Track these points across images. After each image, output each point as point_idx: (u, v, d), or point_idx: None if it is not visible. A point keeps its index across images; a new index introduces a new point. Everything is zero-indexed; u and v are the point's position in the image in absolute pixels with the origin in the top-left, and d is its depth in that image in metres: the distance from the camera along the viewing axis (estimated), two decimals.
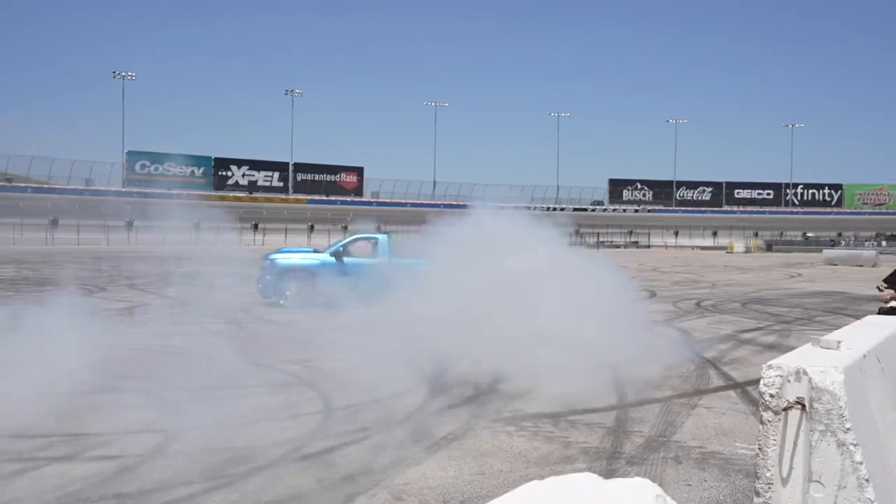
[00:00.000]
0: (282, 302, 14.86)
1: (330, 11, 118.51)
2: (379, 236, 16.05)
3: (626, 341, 8.78)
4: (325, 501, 4.18)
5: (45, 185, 65.12)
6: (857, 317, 9.22)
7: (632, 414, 6.31)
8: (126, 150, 71.63)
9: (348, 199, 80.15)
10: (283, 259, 15.59)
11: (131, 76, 72.24)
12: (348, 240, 16.15)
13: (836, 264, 37.90)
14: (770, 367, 3.32)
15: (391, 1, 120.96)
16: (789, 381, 3.29)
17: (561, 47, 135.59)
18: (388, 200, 79.04)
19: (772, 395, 3.31)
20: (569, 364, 7.86)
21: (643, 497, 1.62)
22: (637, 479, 1.71)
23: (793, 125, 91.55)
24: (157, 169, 72.29)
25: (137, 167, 70.94)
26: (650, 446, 5.35)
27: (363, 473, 4.62)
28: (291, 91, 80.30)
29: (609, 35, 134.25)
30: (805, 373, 3.27)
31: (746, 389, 7.30)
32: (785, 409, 3.27)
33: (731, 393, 7.19)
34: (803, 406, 3.25)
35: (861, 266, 36.27)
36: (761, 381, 3.34)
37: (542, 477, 1.79)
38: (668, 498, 1.66)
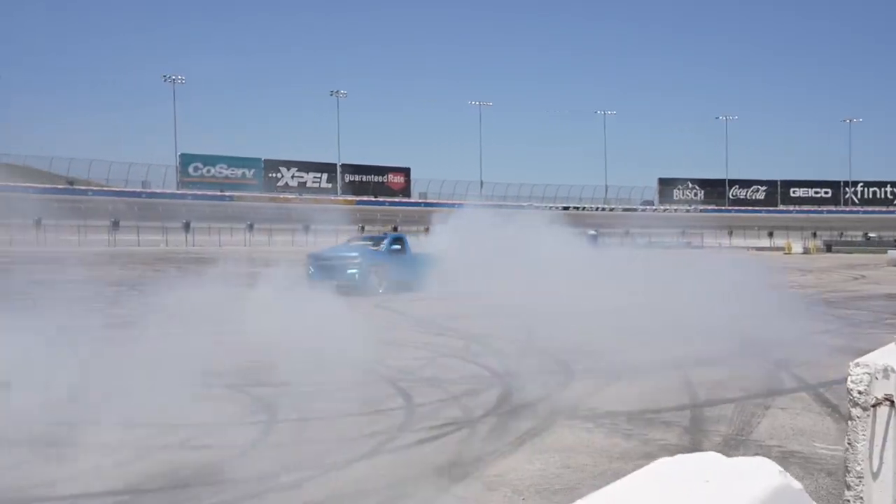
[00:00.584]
0: (381, 290, 17.29)
1: (374, 11, 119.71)
2: (402, 235, 20.58)
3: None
4: (424, 490, 4.42)
5: (105, 188, 67.13)
6: None
7: (707, 413, 6.45)
8: (179, 153, 73.43)
9: (396, 199, 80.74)
10: (373, 253, 18.21)
11: (181, 79, 74.04)
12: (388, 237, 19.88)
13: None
14: (857, 364, 3.44)
15: (435, 0, 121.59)
16: (877, 378, 3.40)
17: (606, 45, 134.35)
18: (435, 201, 79.44)
19: (860, 392, 3.42)
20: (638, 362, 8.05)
21: (767, 473, 1.81)
22: (757, 457, 1.90)
23: (851, 120, 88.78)
24: (209, 171, 73.82)
25: (191, 169, 72.61)
26: (728, 444, 5.47)
27: (454, 464, 4.87)
28: (336, 92, 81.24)
29: (655, 31, 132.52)
30: (893, 370, 3.38)
31: (819, 391, 7.32)
32: (873, 406, 3.40)
33: (804, 394, 7.23)
34: (892, 402, 3.37)
35: None
36: (848, 379, 3.46)
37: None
38: (789, 475, 1.85)
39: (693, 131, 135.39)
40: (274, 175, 77.17)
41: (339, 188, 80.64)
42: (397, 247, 19.02)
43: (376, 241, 19.78)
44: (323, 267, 17.30)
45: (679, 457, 1.88)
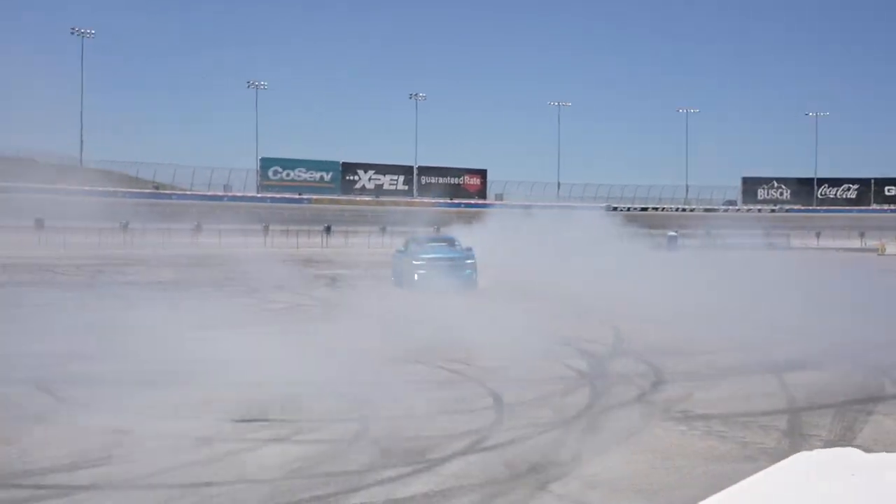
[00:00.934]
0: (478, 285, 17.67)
1: (450, 10, 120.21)
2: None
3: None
4: (520, 487, 4.49)
5: (188, 192, 69.62)
6: None
7: (805, 418, 6.28)
8: (259, 157, 75.45)
9: (472, 201, 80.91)
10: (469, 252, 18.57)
11: (264, 85, 76.14)
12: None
13: None
14: None
15: (511, 2, 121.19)
16: None
17: (687, 41, 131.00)
18: (512, 203, 79.32)
19: None
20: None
21: None
22: None
23: None
24: (288, 175, 75.52)
25: (270, 173, 74.49)
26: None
27: (551, 463, 4.92)
28: (415, 95, 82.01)
29: (739, 25, 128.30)
30: None
31: None
32: None
33: None
34: None
35: None
36: None
37: None
38: None
39: (780, 129, 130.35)
40: (351, 178, 78.52)
41: (415, 190, 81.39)
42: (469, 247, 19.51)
43: (448, 241, 20.21)
44: (437, 268, 17.45)
45: (816, 451, 1.89)
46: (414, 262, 17.96)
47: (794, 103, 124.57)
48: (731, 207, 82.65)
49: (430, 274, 17.22)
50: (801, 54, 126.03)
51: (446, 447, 5.22)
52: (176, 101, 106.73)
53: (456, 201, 79.25)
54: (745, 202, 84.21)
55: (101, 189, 51.60)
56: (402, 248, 19.84)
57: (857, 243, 68.06)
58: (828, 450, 1.91)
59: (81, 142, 64.90)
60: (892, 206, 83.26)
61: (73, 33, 62.30)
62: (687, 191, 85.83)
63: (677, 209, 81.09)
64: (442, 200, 78.22)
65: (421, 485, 4.48)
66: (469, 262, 18.11)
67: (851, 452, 1.88)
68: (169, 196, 66.15)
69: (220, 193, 70.40)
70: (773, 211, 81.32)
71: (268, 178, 73.98)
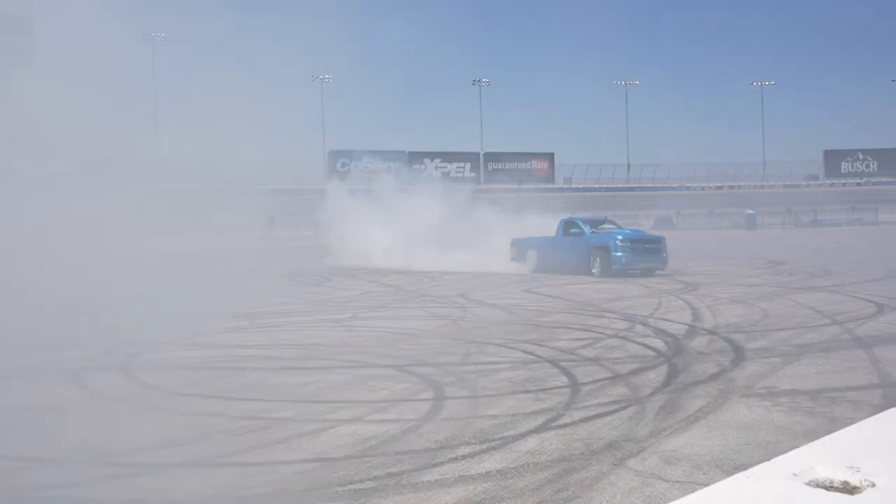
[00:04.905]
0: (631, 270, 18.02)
1: None
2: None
3: None
4: (595, 463, 4.38)
5: (260, 187, 71.16)
6: None
7: None
8: (327, 150, 76.52)
9: (541, 186, 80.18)
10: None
11: (329, 78, 77.13)
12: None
13: None
14: None
15: None
16: None
17: (758, 11, 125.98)
18: (581, 186, 78.22)
19: None
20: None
21: None
22: None
23: None
24: (356, 165, 76.46)
25: (338, 165, 75.52)
26: None
27: (628, 440, 4.79)
28: (479, 80, 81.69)
29: None
30: None
31: None
32: None
33: None
34: None
35: None
36: None
37: None
38: None
39: (861, 98, 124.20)
40: (418, 166, 78.92)
41: (482, 177, 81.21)
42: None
43: (600, 222, 20.66)
44: (637, 251, 18.10)
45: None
46: (610, 244, 18.19)
47: (875, 71, 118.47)
48: (812, 183, 79.35)
49: (629, 256, 17.90)
50: (876, 18, 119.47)
51: None
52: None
53: (525, 187, 78.71)
54: (827, 176, 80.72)
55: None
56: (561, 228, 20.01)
57: None
58: None
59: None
60: None
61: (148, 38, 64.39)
62: (765, 167, 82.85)
63: (755, 186, 78.40)
64: (510, 186, 77.78)
65: None
66: (664, 245, 18.61)
67: None
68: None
69: (291, 186, 71.80)
70: (858, 184, 77.67)
71: (336, 171, 75.09)
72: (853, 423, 1.61)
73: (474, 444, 4.78)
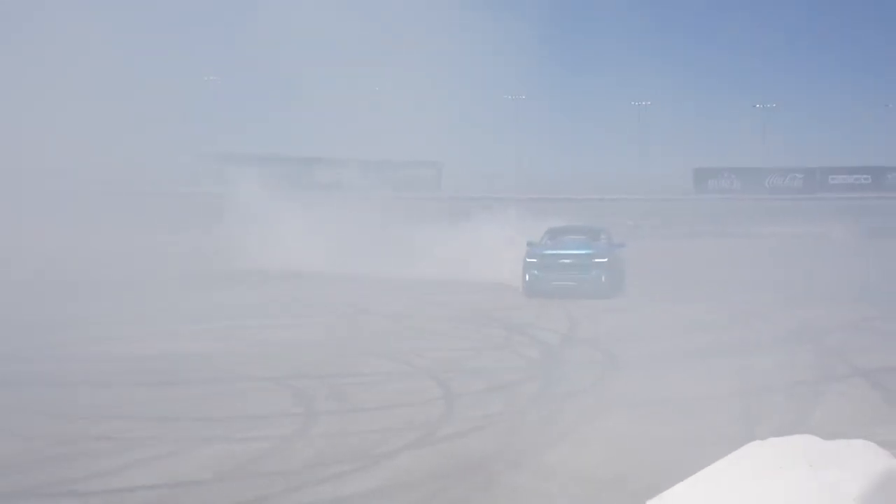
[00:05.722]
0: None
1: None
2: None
3: None
4: (468, 480, 4.32)
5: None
6: None
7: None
8: (218, 152, 73.84)
9: (428, 194, 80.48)
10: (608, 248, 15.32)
11: (214, 79, 74.58)
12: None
13: None
14: None
15: None
16: None
17: (637, 35, 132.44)
18: (468, 195, 79.13)
19: None
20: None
21: (873, 456, 1.66)
22: (859, 440, 1.75)
23: (889, 105, 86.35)
24: (245, 169, 74.15)
25: (229, 168, 72.99)
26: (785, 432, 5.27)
27: (502, 455, 4.75)
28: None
29: (691, 19, 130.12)
30: None
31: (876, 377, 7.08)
32: None
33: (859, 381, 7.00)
34: None
35: None
36: None
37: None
38: (893, 457, 1.70)
39: (731, 121, 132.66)
40: (307, 171, 77.34)
41: (372, 183, 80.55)
42: (616, 240, 16.27)
43: (593, 232, 16.41)
44: (552, 267, 14.50)
45: (771, 439, 1.74)
46: (528, 260, 14.81)
47: (743, 96, 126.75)
48: (684, 197, 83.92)
49: (542, 274, 14.45)
50: (747, 47, 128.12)
51: None
52: None
53: (409, 195, 78.80)
54: (696, 192, 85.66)
55: None
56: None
57: (804, 230, 69.62)
58: (784, 438, 1.76)
59: None
60: (837, 195, 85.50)
61: None
62: (640, 181, 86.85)
63: (634, 199, 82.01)
64: (398, 193, 77.62)
65: None
66: (600, 262, 14.40)
67: (810, 441, 1.74)
68: None
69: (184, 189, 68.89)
70: (724, 200, 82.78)
71: (229, 174, 72.61)
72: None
73: (347, 462, 4.61)
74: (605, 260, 14.52)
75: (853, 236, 59.84)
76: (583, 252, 14.77)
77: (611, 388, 6.76)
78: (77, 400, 6.40)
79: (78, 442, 5.09)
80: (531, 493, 4.05)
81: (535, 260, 14.75)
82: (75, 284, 16.11)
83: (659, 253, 22.98)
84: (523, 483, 4.21)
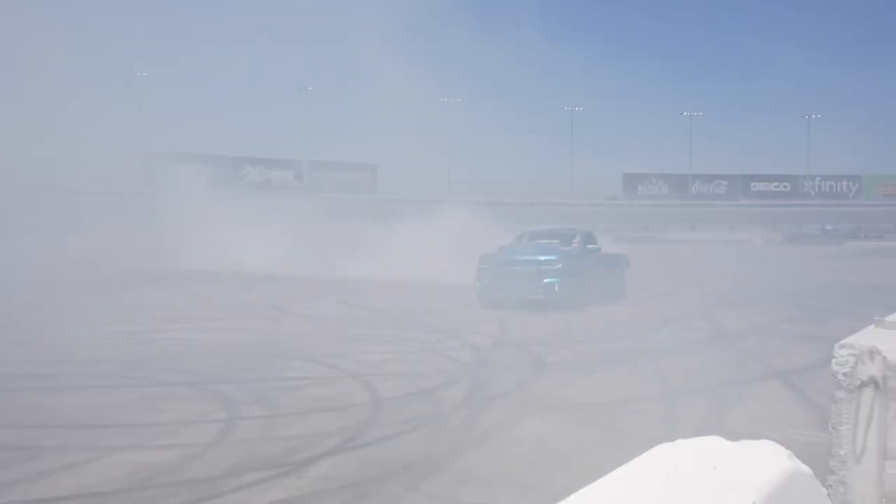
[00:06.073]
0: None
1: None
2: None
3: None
4: (388, 487, 4.24)
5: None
6: (890, 305, 9.24)
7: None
8: (148, 152, 71.63)
9: (364, 196, 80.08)
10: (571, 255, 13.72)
11: (145, 75, 72.52)
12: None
13: (858, 256, 37.59)
14: (842, 346, 3.34)
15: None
16: (862, 360, 3.31)
17: (575, 41, 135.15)
18: (403, 197, 79.03)
19: (845, 374, 3.33)
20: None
21: (776, 457, 1.67)
22: (765, 441, 1.76)
23: (809, 116, 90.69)
24: (176, 169, 72.19)
25: (160, 167, 70.96)
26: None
27: (425, 460, 4.69)
28: (305, 88, 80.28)
29: (622, 28, 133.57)
30: (878, 352, 3.29)
31: (788, 377, 7.32)
32: (858, 388, 3.31)
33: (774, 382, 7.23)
34: (877, 384, 3.28)
35: (883, 258, 35.94)
36: (833, 361, 3.36)
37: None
38: (797, 459, 1.71)
39: (660, 128, 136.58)
40: (240, 172, 75.80)
41: (305, 185, 79.62)
42: (594, 246, 14.46)
43: (564, 237, 14.75)
44: (504, 275, 13.15)
45: (679, 441, 1.73)
46: (480, 267, 13.54)
47: (672, 103, 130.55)
48: (613, 202, 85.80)
49: (494, 283, 13.14)
50: (676, 56, 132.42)
51: None
52: None
53: (348, 196, 78.15)
54: (626, 197, 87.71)
55: None
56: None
57: (728, 236, 72.24)
58: (692, 440, 1.75)
59: None
60: (759, 201, 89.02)
61: None
62: (572, 186, 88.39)
63: (564, 204, 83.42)
64: (335, 195, 76.91)
65: None
66: (554, 269, 12.94)
67: (716, 443, 1.73)
68: None
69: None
70: (652, 206, 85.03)
71: (160, 173, 70.39)
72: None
73: (263, 469, 4.46)
74: (559, 267, 12.90)
75: (772, 242, 62.76)
76: (537, 258, 13.21)
77: (535, 391, 6.78)
78: None
79: None
80: (450, 499, 3.99)
81: (486, 266, 13.40)
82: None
83: None
84: (443, 489, 4.14)
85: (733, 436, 4.92)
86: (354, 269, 19.68)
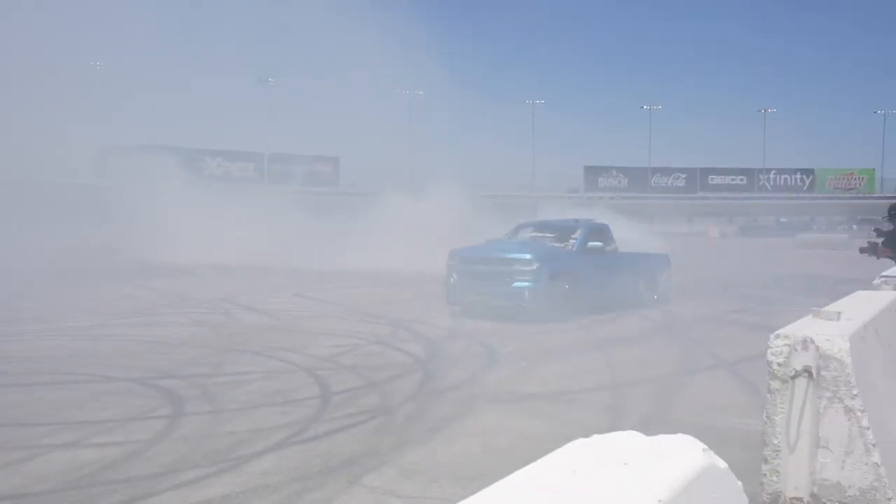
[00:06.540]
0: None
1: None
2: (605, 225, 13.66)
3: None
4: (330, 482, 4.19)
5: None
6: (837, 296, 9.46)
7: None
8: (101, 144, 70.09)
9: (326, 189, 79.47)
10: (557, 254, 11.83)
11: (99, 65, 70.83)
12: None
13: (809, 248, 38.48)
14: (777, 336, 3.39)
15: None
16: (796, 350, 3.36)
17: (535, 33, 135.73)
18: (365, 191, 78.54)
19: (779, 364, 3.38)
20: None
21: (691, 452, 1.67)
22: (681, 435, 1.76)
23: (765, 110, 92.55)
24: (131, 160, 70.78)
25: (113, 160, 69.49)
26: (648, 423, 5.44)
27: (369, 454, 4.65)
28: (265, 79, 79.29)
29: (581, 19, 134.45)
30: (812, 341, 3.34)
31: (735, 367, 7.45)
32: (792, 378, 3.36)
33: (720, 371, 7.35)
34: (810, 374, 3.33)
35: (835, 249, 36.85)
36: (768, 351, 3.41)
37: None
38: (713, 453, 1.71)
39: (620, 121, 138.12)
40: (199, 164, 74.62)
41: (266, 178, 78.70)
42: (597, 243, 12.09)
43: (562, 231, 12.64)
44: (472, 274, 11.36)
45: (595, 437, 1.72)
46: (449, 262, 11.84)
47: (631, 97, 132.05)
48: (574, 195, 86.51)
49: (463, 281, 11.41)
50: (639, 47, 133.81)
51: None
52: None
53: (310, 189, 77.43)
54: (587, 190, 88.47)
55: None
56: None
57: (686, 228, 73.41)
58: (606, 435, 1.74)
59: None
60: (715, 194, 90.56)
61: None
62: (533, 178, 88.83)
63: (525, 197, 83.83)
64: (295, 188, 76.11)
65: None
66: (529, 270, 10.91)
67: (631, 437, 1.72)
68: None
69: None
70: (612, 198, 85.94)
71: (114, 165, 68.87)
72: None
73: (204, 466, 4.38)
74: (534, 269, 10.87)
75: (728, 234, 63.94)
76: (506, 257, 11.33)
77: (486, 383, 6.79)
78: None
79: None
80: (392, 493, 3.96)
81: (454, 263, 11.64)
82: None
83: None
84: (386, 482, 4.11)
85: (678, 426, 4.97)
86: (314, 260, 19.55)
